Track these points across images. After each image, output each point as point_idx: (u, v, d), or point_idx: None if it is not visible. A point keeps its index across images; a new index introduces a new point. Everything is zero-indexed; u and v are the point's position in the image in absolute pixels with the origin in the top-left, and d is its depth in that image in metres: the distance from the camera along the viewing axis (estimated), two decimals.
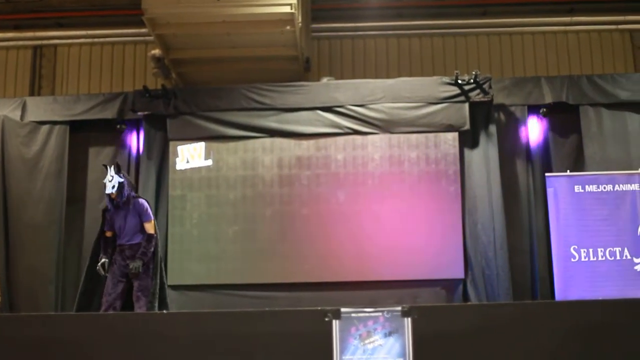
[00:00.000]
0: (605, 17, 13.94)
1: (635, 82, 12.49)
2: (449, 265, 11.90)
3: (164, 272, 10.67)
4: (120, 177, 10.02)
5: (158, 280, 10.14)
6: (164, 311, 9.47)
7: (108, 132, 12.85)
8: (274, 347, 5.53)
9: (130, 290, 9.92)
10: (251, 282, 11.98)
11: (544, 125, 12.69)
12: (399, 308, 5.43)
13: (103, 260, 9.91)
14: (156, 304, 10.02)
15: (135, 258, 9.76)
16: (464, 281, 11.90)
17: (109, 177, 9.92)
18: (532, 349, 5.44)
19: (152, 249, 9.98)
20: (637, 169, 11.90)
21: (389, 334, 5.43)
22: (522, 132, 12.55)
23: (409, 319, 5.42)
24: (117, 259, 9.95)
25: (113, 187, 9.88)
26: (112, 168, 10.01)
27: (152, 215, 10.23)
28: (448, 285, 11.94)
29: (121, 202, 9.97)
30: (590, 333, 5.43)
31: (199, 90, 12.66)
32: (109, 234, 10.10)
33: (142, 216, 10.01)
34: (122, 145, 12.87)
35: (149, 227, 10.02)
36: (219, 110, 12.38)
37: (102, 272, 9.82)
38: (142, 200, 10.15)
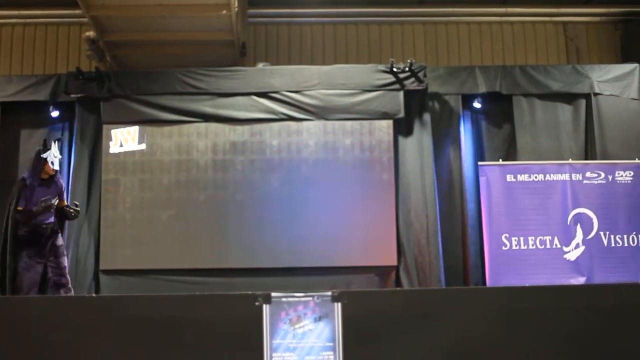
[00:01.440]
0: (540, 9, 14.13)
1: (568, 73, 12.70)
2: (382, 252, 11.99)
3: None
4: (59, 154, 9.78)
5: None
6: (93, 294, 9.34)
7: (40, 114, 12.65)
8: (204, 332, 5.52)
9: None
10: (184, 267, 11.93)
11: (477, 114, 12.84)
12: (329, 293, 5.45)
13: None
14: None
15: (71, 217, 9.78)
16: (396, 268, 11.98)
17: (55, 152, 9.53)
18: (462, 333, 5.50)
19: None
20: (568, 159, 12.11)
21: (319, 319, 5.44)
22: (456, 120, 12.66)
23: (339, 304, 5.44)
24: (30, 239, 9.41)
25: (59, 162, 9.67)
26: (56, 144, 9.68)
27: None
28: (381, 272, 12.01)
29: (53, 179, 9.62)
30: (520, 318, 5.50)
31: (133, 74, 12.56)
32: (20, 208, 9.44)
33: (61, 196, 9.72)
34: (54, 127, 12.70)
35: (64, 203, 9.81)
36: (154, 94, 12.28)
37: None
38: (62, 181, 9.92)
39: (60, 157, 9.68)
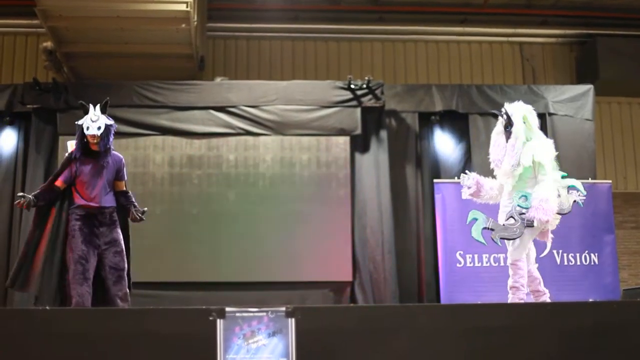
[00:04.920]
0: (497, 29, 14.32)
1: (523, 93, 12.79)
2: (338, 268, 12.01)
3: None
4: (108, 118, 7.96)
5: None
6: (47, 307, 8.55)
7: None
8: (157, 346, 5.49)
9: None
10: (139, 281, 11.76)
11: (434, 132, 12.92)
12: (283, 308, 5.45)
13: (31, 197, 7.73)
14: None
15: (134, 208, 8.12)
16: (352, 284, 12.01)
17: (92, 116, 7.81)
18: (415, 350, 5.52)
19: None
20: None
21: (272, 334, 5.44)
22: (413, 138, 12.74)
23: (293, 319, 5.44)
24: (83, 227, 7.86)
25: (99, 127, 7.79)
26: (98, 106, 7.93)
27: None
28: (336, 287, 12.04)
29: (102, 150, 7.91)
30: (476, 335, 5.52)
31: (90, 85, 12.46)
32: (59, 183, 7.94)
33: (120, 172, 8.13)
34: (9, 138, 12.58)
35: (123, 186, 8.26)
36: (110, 106, 12.13)
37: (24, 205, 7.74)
38: (120, 155, 8.34)
39: (96, 118, 7.87)
